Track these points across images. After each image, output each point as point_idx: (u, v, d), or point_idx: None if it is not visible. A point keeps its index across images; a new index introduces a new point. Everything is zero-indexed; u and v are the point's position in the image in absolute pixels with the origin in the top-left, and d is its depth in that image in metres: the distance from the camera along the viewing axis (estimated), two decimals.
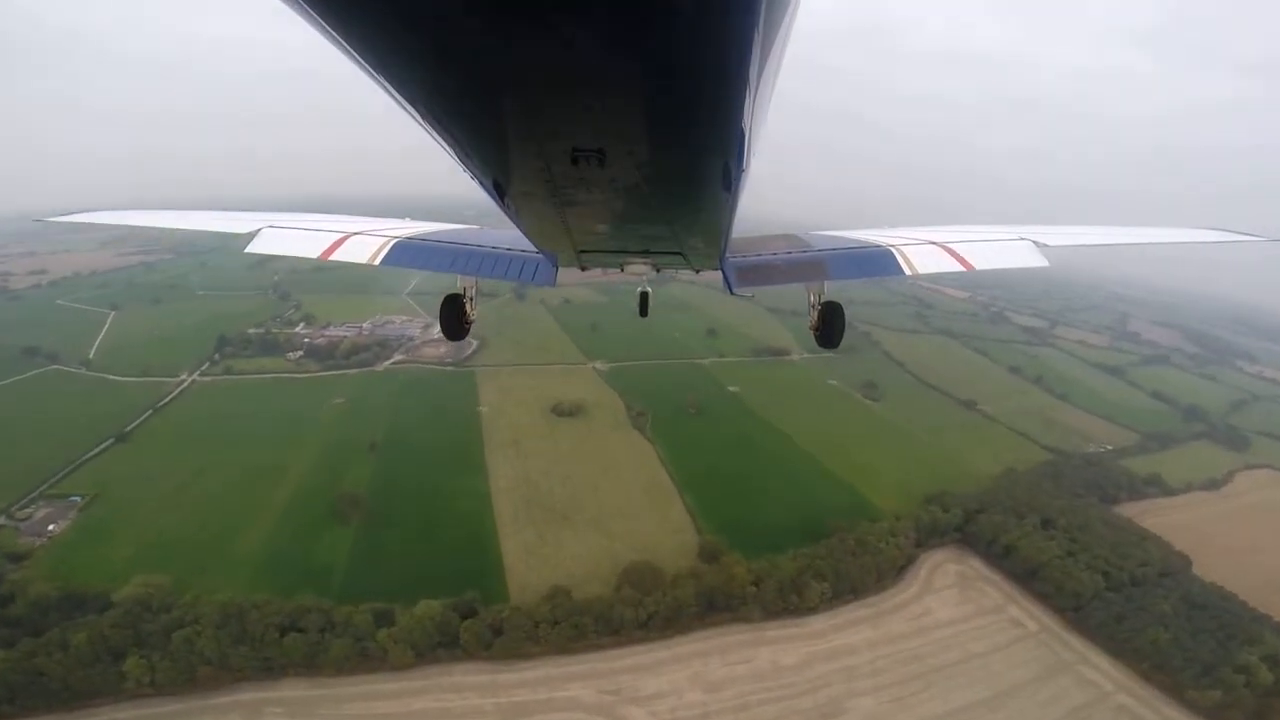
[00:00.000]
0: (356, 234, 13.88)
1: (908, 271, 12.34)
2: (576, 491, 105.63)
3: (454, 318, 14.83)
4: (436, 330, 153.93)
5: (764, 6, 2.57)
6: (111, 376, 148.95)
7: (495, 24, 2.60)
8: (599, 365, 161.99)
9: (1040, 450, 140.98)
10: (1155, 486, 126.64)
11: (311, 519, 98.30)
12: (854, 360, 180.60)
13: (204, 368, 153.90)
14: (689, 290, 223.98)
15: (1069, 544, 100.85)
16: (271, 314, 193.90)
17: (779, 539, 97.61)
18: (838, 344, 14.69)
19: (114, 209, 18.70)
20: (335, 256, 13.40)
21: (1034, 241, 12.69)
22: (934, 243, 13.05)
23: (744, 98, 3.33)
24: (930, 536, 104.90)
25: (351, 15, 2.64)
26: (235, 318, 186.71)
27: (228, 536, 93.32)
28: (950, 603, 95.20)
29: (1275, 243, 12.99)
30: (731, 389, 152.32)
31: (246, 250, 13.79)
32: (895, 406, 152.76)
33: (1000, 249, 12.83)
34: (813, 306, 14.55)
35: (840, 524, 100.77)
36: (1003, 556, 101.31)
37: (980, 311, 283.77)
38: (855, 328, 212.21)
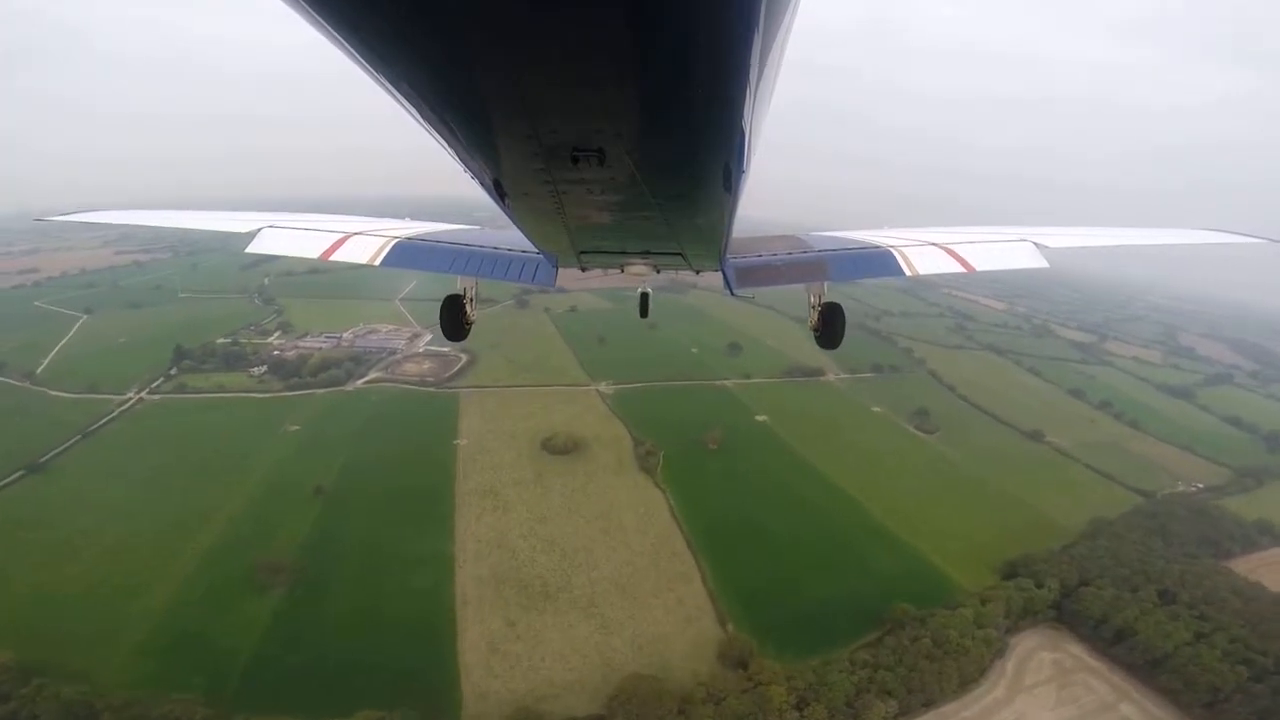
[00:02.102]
0: (357, 234, 13.34)
1: (908, 272, 11.57)
2: (564, 561, 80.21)
3: (454, 318, 13.91)
4: (424, 342, 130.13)
5: (764, 6, 2.51)
6: (53, 392, 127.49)
7: (494, 24, 2.54)
8: (603, 387, 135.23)
9: (1126, 492, 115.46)
10: (1267, 535, 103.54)
11: (226, 585, 75.53)
12: (898, 382, 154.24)
13: (156, 383, 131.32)
14: (707, 298, 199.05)
15: (1197, 623, 77.68)
16: (249, 321, 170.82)
17: (827, 630, 73.33)
18: (838, 345, 13.52)
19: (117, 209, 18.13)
20: (335, 256, 12.81)
21: (1034, 243, 12.03)
22: (934, 244, 12.33)
23: (744, 97, 3.23)
24: (1022, 619, 79.92)
25: (350, 16, 2.58)
26: (208, 325, 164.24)
27: (119, 602, 72.30)
28: (1047, 703, 71.74)
29: (1276, 243, 12.40)
30: (760, 418, 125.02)
31: (247, 250, 13.31)
32: (953, 440, 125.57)
33: (1001, 250, 12.19)
34: (813, 307, 13.52)
35: (906, 610, 75.05)
36: (1113, 641, 77.29)
37: (1022, 324, 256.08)
38: (895, 343, 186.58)
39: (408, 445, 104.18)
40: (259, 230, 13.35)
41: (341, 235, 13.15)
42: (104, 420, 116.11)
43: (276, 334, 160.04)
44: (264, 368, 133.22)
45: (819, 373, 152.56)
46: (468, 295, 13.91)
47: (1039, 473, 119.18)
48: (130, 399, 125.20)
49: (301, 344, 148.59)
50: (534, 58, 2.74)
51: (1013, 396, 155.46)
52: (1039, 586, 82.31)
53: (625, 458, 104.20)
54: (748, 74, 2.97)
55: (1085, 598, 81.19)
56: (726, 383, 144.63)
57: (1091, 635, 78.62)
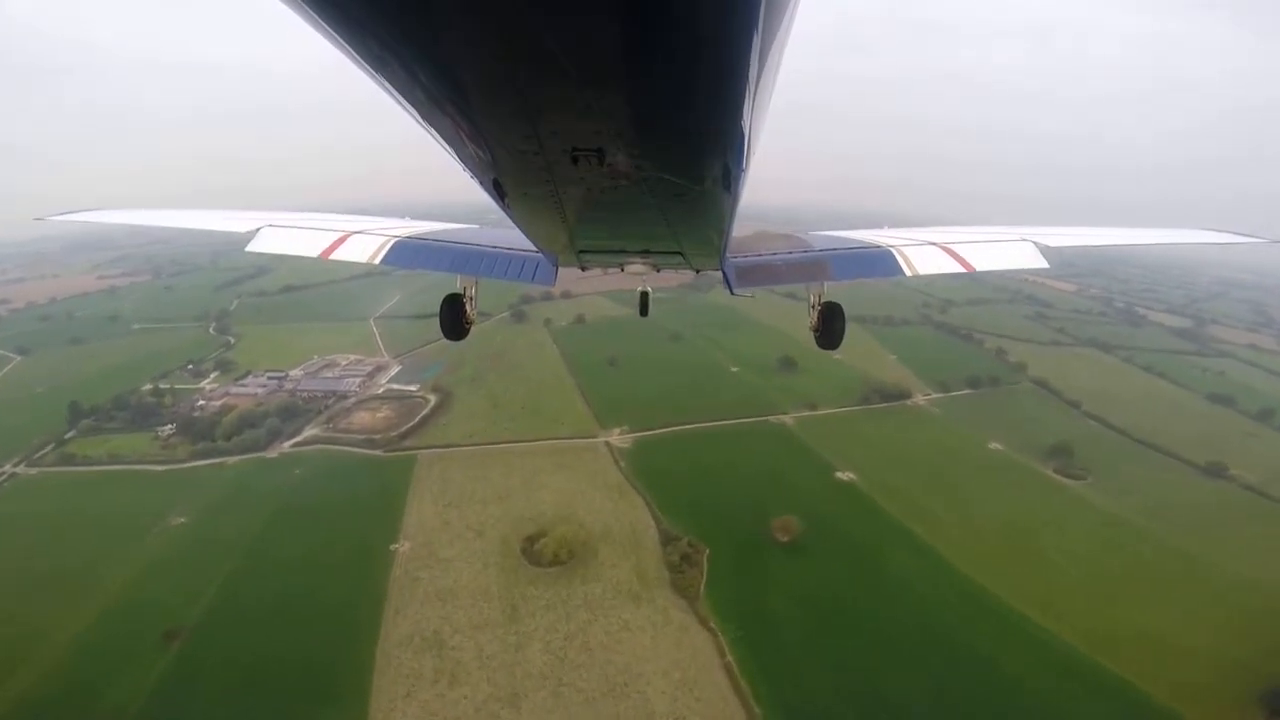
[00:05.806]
0: (357, 233, 12.71)
1: (908, 272, 11.30)
2: None
3: (454, 318, 13.01)
4: (388, 377, 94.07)
5: (764, 6, 2.45)
6: None
7: (494, 24, 2.48)
8: (616, 438, 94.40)
9: None
10: None
11: None
12: (1004, 400, 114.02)
13: (43, 452, 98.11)
14: (746, 298, 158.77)
15: None
16: (191, 357, 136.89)
17: None
18: (838, 345, 12.99)
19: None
20: (335, 255, 12.17)
21: (1035, 243, 11.59)
22: (934, 244, 11.93)
23: (744, 97, 3.17)
24: None
25: (349, 15, 2.50)
26: (143, 365, 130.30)
27: None
28: None
29: (1276, 244, 11.63)
30: (843, 477, 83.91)
31: (247, 249, 12.61)
32: (1112, 487, 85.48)
33: (1001, 250, 11.76)
34: (812, 307, 13.04)
35: None
36: None
37: (1106, 309, 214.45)
38: (981, 344, 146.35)
39: (322, 553, 66.98)
40: (259, 230, 12.64)
41: (341, 234, 12.53)
42: None
43: (213, 375, 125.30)
44: (171, 428, 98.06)
45: (905, 394, 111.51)
46: (468, 294, 12.99)
47: (1242, 527, 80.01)
48: (3, 475, 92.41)
49: (234, 389, 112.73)
50: (533, 57, 2.64)
51: (1152, 411, 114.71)
52: None
53: (649, 568, 64.79)
54: (748, 74, 2.87)
55: None
56: (785, 418, 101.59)
57: None
